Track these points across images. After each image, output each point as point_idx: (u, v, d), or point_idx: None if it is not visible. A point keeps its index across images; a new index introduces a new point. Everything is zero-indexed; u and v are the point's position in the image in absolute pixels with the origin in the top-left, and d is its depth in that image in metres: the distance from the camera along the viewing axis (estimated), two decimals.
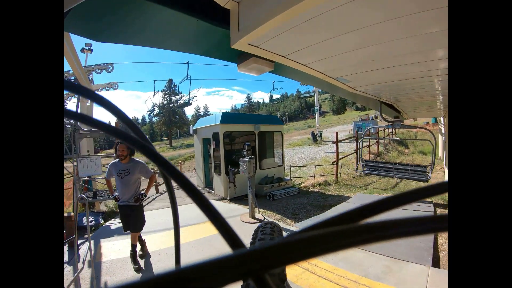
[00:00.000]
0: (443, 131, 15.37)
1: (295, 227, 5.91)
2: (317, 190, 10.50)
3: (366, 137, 13.14)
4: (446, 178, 10.39)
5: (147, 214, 4.50)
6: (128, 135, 0.34)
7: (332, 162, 13.17)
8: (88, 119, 0.34)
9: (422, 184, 11.54)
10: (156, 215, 6.93)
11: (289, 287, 1.06)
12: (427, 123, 28.60)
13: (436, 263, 4.36)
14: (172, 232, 0.51)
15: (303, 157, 19.03)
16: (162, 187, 12.39)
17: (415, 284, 3.50)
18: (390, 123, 8.28)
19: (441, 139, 16.92)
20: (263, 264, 0.17)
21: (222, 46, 2.98)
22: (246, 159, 6.35)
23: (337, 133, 13.52)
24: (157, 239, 5.13)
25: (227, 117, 9.79)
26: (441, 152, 16.62)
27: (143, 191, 4.19)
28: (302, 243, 0.17)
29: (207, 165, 11.13)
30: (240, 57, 3.36)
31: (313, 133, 27.42)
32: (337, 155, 12.58)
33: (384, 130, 21.59)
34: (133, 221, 4.10)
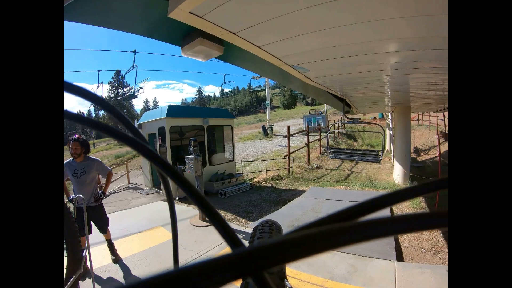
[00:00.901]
0: (390, 126, 16.29)
1: (249, 228, 5.48)
2: (270, 185, 10.21)
3: (332, 130, 14.39)
4: (394, 169, 10.91)
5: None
6: (126, 136, 0.34)
7: (284, 156, 12.97)
8: (87, 120, 0.35)
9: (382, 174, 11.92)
10: None
11: (289, 285, 1.04)
12: (374, 118, 31.08)
13: (399, 256, 4.31)
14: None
15: (254, 151, 18.73)
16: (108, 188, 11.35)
17: (384, 282, 3.37)
18: (351, 120, 10.32)
19: (388, 133, 17.74)
20: (262, 262, 0.17)
21: (165, 24, 2.51)
22: (193, 156, 5.77)
23: (288, 127, 13.30)
24: (99, 253, 4.33)
25: (173, 111, 9.02)
26: (388, 145, 17.44)
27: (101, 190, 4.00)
28: (301, 241, 0.17)
29: None
30: (185, 39, 2.87)
31: (264, 127, 27.22)
32: (289, 149, 12.38)
33: (334, 125, 22.52)
34: (98, 223, 3.98)
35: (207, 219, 4.06)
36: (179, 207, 7.28)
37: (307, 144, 14.38)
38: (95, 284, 3.04)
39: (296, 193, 8.57)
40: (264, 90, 33.69)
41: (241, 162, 12.54)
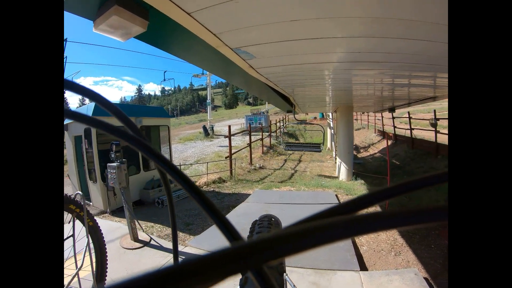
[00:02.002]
0: (331, 125, 17.21)
1: (190, 246, 4.69)
2: (212, 189, 9.49)
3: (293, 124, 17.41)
4: (337, 166, 11.01)
5: None
6: (126, 133, 0.34)
7: (226, 157, 12.23)
8: (88, 118, 0.34)
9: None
10: None
11: (289, 280, 1.04)
12: (315, 118, 33.02)
13: (361, 263, 4.00)
14: None
15: (195, 153, 17.82)
16: None
17: None
18: (299, 121, 14.16)
19: (329, 131, 18.46)
20: (261, 256, 0.17)
21: None
22: (115, 164, 4.75)
23: (229, 126, 12.56)
24: None
25: (101, 109, 7.77)
26: (330, 143, 17.99)
27: None
28: (300, 234, 0.17)
29: (82, 170, 8.68)
30: (100, 10, 2.20)
31: (204, 127, 26.31)
32: (230, 150, 11.72)
33: (275, 124, 23.12)
34: None
35: (140, 239, 3.19)
36: (109, 223, 6.14)
37: (249, 144, 13.86)
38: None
39: (240, 197, 7.97)
40: (206, 88, 32.67)
41: (180, 165, 11.50)
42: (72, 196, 2.83)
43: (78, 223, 2.87)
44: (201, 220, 6.27)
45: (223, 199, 8.00)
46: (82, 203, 2.80)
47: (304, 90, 6.28)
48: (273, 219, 1.18)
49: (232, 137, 12.23)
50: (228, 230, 0.27)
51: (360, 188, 8.71)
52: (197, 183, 10.07)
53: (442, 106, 16.42)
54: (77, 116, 0.34)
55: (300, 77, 4.34)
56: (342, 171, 10.41)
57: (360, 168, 11.97)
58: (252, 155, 14.13)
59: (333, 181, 10.08)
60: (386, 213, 0.18)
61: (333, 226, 0.17)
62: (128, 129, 0.40)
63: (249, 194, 8.05)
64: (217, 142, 20.71)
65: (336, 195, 7.51)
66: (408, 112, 14.65)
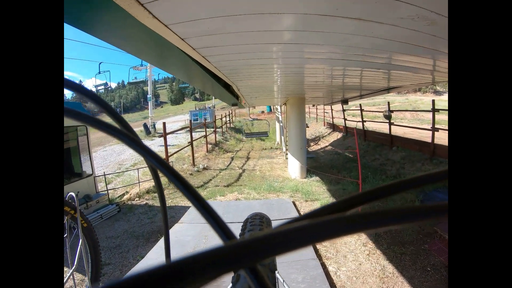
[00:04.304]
0: (280, 119, 17.09)
1: None
2: (145, 202, 7.81)
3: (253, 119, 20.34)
4: (289, 163, 10.07)
5: None
6: (118, 129, 0.34)
7: None
8: (87, 117, 0.34)
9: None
10: None
11: (280, 278, 1.07)
12: (262, 112, 32.81)
13: None
14: None
15: (133, 155, 15.85)
16: None
17: None
18: (253, 118, 18.69)
19: (278, 125, 18.18)
20: (255, 255, 0.17)
21: None
22: None
23: (164, 124, 10.28)
24: None
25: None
26: (279, 137, 17.79)
27: None
28: (293, 233, 0.17)
29: None
30: None
31: (145, 125, 24.13)
32: (166, 152, 9.83)
33: (221, 119, 22.79)
34: None
35: None
36: None
37: (191, 143, 12.22)
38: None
39: (176, 213, 6.48)
40: (147, 81, 30.16)
41: (104, 175, 9.12)
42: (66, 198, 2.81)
43: None
44: (121, 256, 4.71)
45: (154, 217, 6.45)
46: (76, 205, 2.78)
47: (250, 72, 4.99)
48: (264, 218, 1.14)
49: (175, 135, 10.57)
50: (222, 229, 0.27)
51: (318, 189, 7.65)
52: (128, 195, 8.37)
53: (386, 100, 16.44)
54: (76, 115, 0.33)
55: (240, 47, 3.05)
56: (295, 169, 9.50)
57: (313, 163, 11.09)
58: (196, 155, 12.72)
59: (286, 181, 8.94)
60: (383, 211, 0.18)
61: (328, 224, 0.17)
62: (120, 126, 0.39)
63: (188, 207, 6.54)
64: (158, 142, 18.90)
65: (294, 203, 6.33)
66: (360, 105, 14.37)
